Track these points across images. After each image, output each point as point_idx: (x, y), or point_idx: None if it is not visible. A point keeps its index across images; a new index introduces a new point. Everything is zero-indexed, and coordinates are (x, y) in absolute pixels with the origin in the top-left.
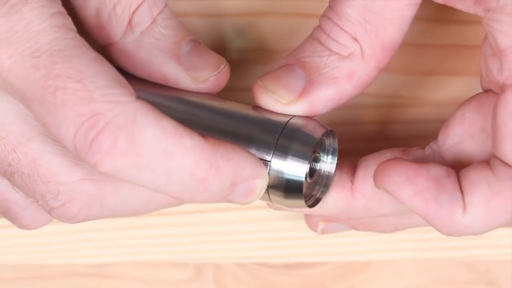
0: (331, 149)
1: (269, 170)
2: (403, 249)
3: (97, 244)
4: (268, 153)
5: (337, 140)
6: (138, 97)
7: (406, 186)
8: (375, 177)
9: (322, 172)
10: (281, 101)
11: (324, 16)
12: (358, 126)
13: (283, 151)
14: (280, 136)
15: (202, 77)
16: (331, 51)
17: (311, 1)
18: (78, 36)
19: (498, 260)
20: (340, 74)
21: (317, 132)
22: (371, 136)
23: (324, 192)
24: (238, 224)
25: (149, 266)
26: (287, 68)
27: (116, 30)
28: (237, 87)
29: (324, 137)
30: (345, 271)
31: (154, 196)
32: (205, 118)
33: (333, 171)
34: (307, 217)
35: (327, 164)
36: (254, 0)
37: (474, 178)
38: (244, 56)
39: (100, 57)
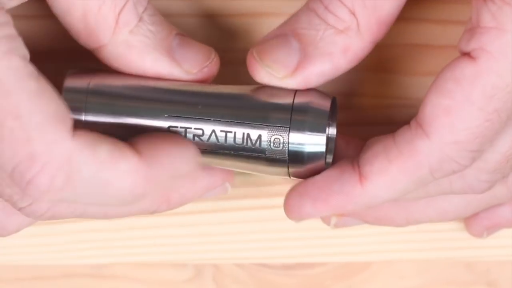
0: (334, 115)
1: (288, 146)
2: (402, 250)
3: (96, 245)
4: (285, 130)
5: (337, 105)
6: (75, 130)
7: (304, 201)
8: (287, 214)
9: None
10: (276, 75)
11: None
12: (359, 127)
13: (299, 126)
14: (293, 112)
15: (195, 68)
16: (328, 24)
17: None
18: (23, 64)
19: (498, 261)
20: (336, 49)
21: (326, 102)
22: (372, 137)
23: (329, 158)
24: (238, 224)
25: (148, 267)
26: (282, 39)
27: (104, 32)
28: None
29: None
30: (344, 271)
31: None
32: (213, 106)
33: (335, 135)
34: None
35: (331, 129)
36: (255, 1)
37: (375, 149)
38: (244, 56)
39: (43, 87)
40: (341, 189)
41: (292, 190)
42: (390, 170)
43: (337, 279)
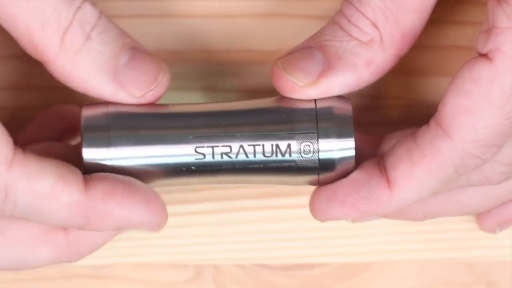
0: None
1: (318, 154)
2: (403, 250)
3: None
4: (313, 136)
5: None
6: (12, 162)
7: (331, 204)
8: (313, 215)
9: None
10: (299, 83)
11: (346, 0)
12: (359, 128)
13: (327, 132)
14: (318, 117)
15: (140, 92)
16: (351, 36)
17: (312, 2)
18: None
19: (498, 261)
20: (359, 60)
21: (347, 105)
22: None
23: None
24: (238, 225)
25: (148, 268)
26: (307, 51)
27: (49, 50)
28: (239, 88)
29: None
30: (344, 272)
31: (29, 255)
32: (238, 121)
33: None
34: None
35: None
36: (259, 1)
37: (398, 152)
38: (245, 57)
39: None
40: (370, 195)
41: (318, 192)
42: (416, 173)
43: (337, 279)
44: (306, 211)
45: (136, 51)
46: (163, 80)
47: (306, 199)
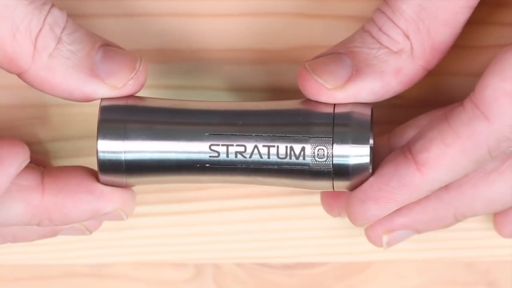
0: (371, 123)
1: (332, 159)
2: (403, 250)
3: (96, 244)
4: (328, 141)
5: (373, 113)
6: None
7: (366, 205)
8: (353, 221)
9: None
10: (326, 86)
11: (378, 10)
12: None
13: (342, 137)
14: (335, 122)
15: (121, 83)
16: (381, 44)
17: (311, 2)
18: None
19: (499, 261)
20: (388, 68)
21: (366, 111)
22: None
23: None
24: (238, 224)
25: (148, 266)
26: (335, 55)
27: (23, 59)
28: (237, 87)
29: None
30: (345, 271)
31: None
32: (254, 121)
33: (373, 143)
34: (368, 233)
35: (371, 138)
36: (255, 1)
37: (429, 135)
38: (245, 56)
39: None
40: (401, 183)
41: (351, 198)
42: (449, 154)
43: (337, 278)
44: (306, 210)
45: (108, 47)
46: (141, 68)
47: (306, 199)
